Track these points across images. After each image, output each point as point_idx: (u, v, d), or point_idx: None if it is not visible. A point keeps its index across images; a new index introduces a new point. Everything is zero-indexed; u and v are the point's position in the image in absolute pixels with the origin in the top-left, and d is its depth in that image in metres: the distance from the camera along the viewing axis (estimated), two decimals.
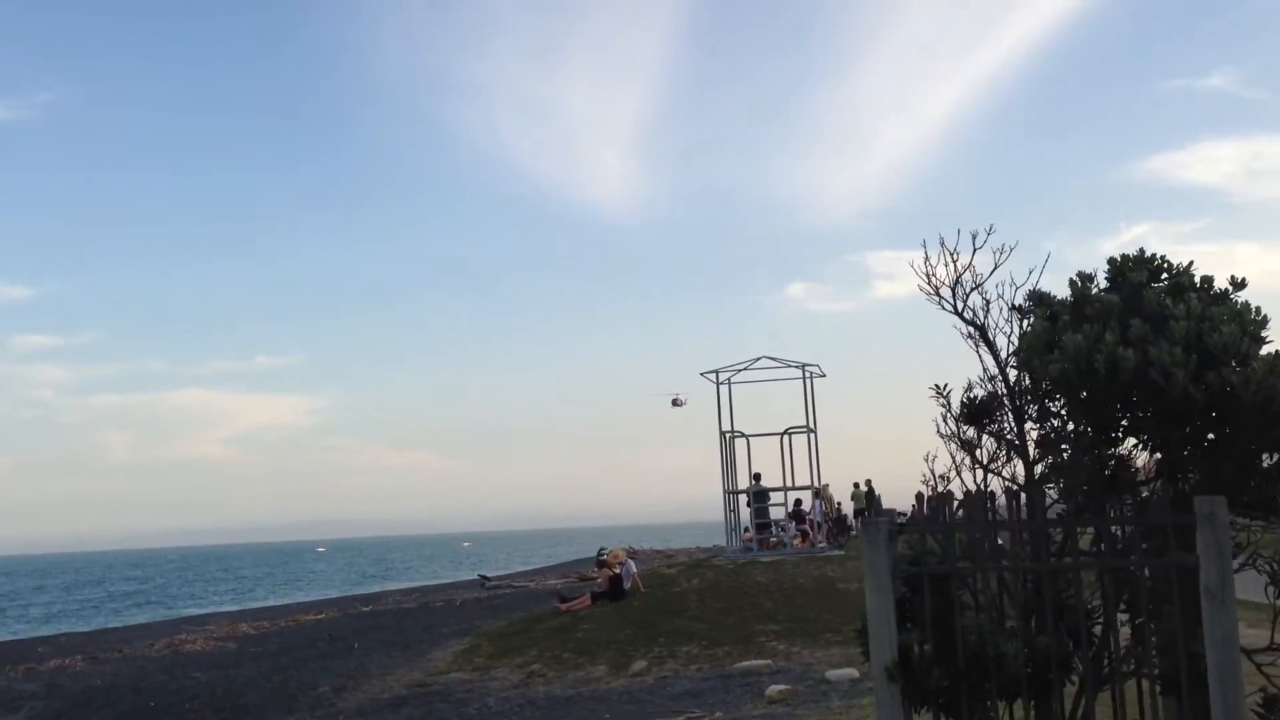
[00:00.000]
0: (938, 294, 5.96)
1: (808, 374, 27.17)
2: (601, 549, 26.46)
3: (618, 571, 22.84)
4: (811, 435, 26.93)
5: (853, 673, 14.26)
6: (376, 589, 57.46)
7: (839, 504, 32.96)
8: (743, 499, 27.81)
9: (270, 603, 52.75)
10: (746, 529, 29.42)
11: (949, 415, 6.12)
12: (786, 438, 27.20)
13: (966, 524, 5.55)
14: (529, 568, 68.45)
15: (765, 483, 27.90)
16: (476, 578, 50.61)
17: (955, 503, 5.64)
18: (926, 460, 6.03)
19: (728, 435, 27.34)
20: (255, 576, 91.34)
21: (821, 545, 27.28)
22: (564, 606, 22.58)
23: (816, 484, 27.53)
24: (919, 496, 5.73)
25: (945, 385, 6.10)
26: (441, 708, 15.43)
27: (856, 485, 36.03)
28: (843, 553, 26.36)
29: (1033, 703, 5.50)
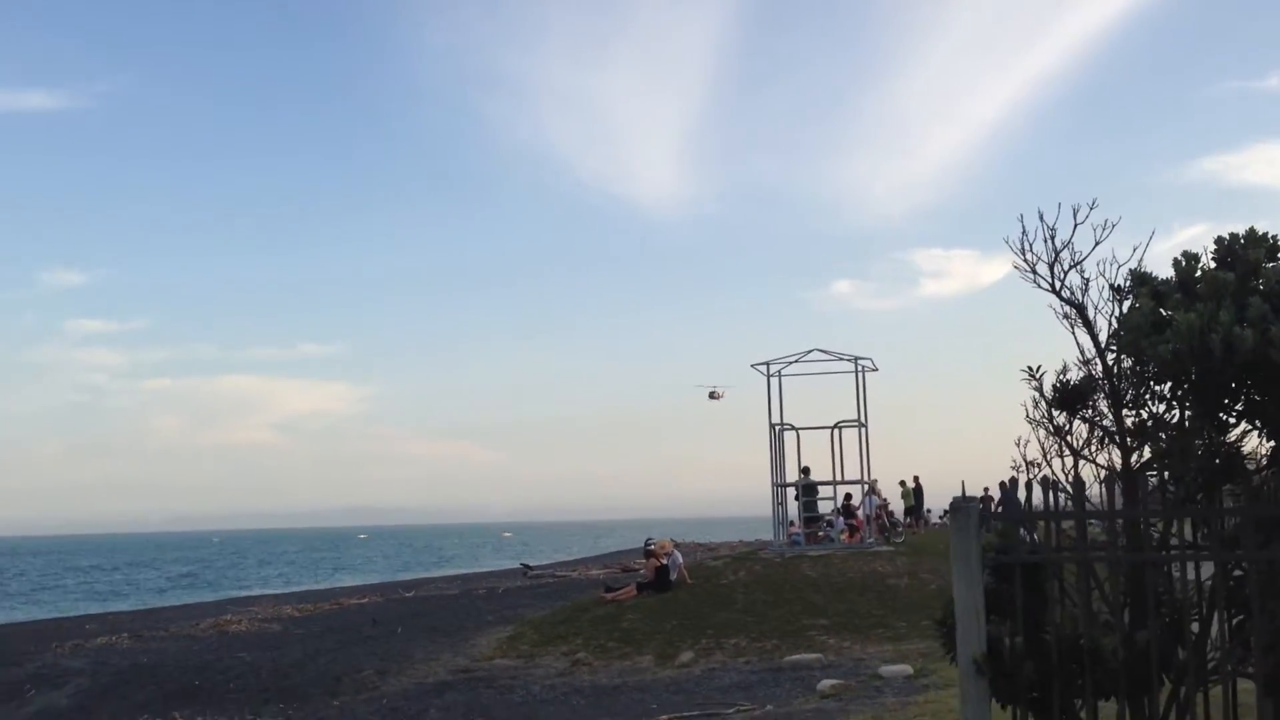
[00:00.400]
0: (1034, 271, 5.64)
1: (860, 367, 26.75)
2: (649, 539, 26.18)
3: (664, 562, 22.57)
4: (862, 429, 26.51)
5: (906, 669, 13.95)
6: (419, 575, 57.65)
7: (885, 500, 32.45)
8: (790, 492, 27.43)
9: (314, 586, 53.08)
10: (792, 522, 29.04)
11: (1040, 399, 5.81)
12: (837, 431, 26.79)
13: (1074, 511, 5.23)
14: (570, 558, 68.39)
15: (814, 477, 27.50)
16: (519, 566, 50.51)
17: (1052, 489, 5.33)
18: (1018, 445, 5.72)
19: (777, 428, 26.96)
20: (300, 561, 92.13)
21: (870, 541, 26.85)
22: (609, 596, 22.36)
23: (867, 479, 27.08)
24: (1011, 482, 5.44)
25: (1038, 367, 5.78)
26: (486, 694, 15.27)
27: (904, 483, 35.63)
28: (891, 548, 25.94)
29: (1126, 701, 5.20)
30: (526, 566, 48.16)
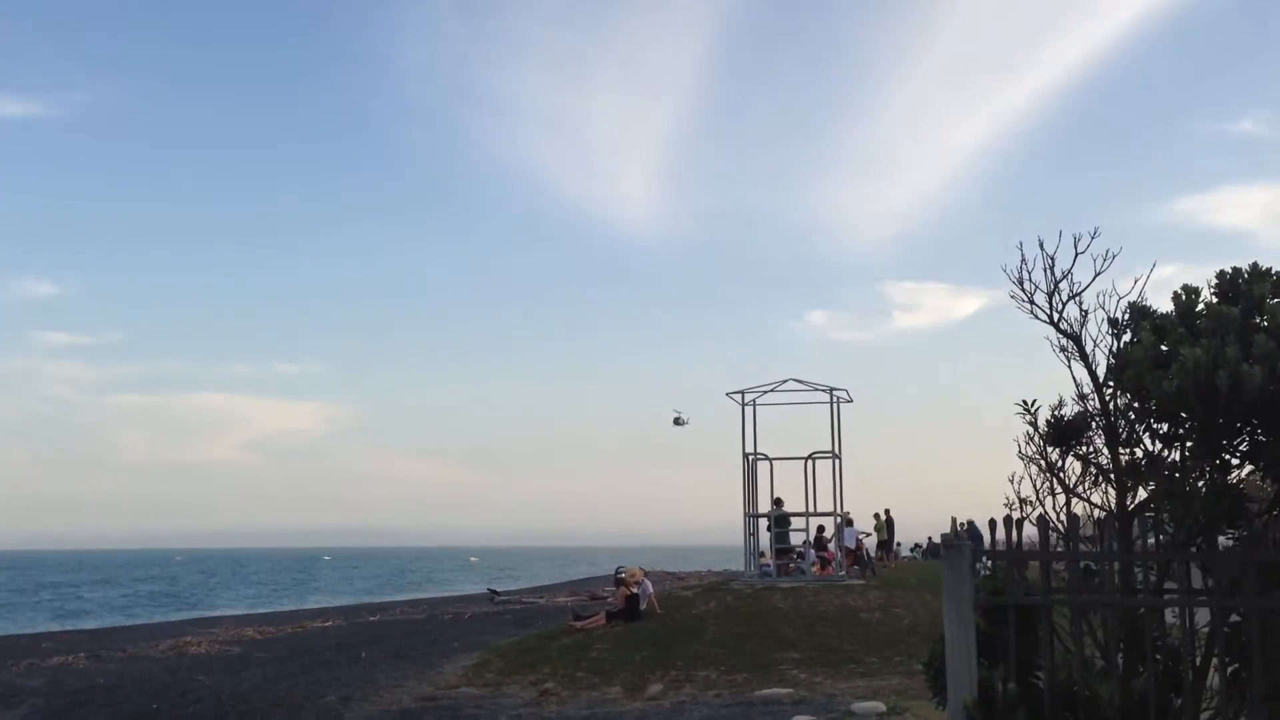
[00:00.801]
0: (1032, 301, 5.50)
1: (835, 398, 26.67)
2: (619, 568, 25.93)
3: (635, 591, 22.31)
4: (837, 461, 26.40)
5: (879, 706, 13.76)
6: (384, 599, 57.00)
7: (867, 533, 32.47)
8: (763, 523, 27.26)
9: (277, 608, 52.35)
10: (763, 552, 28.87)
11: (1035, 435, 5.66)
12: (810, 462, 26.67)
13: (1082, 553, 5.06)
14: (538, 584, 67.91)
15: (787, 508, 27.36)
16: (485, 592, 50.08)
17: (1048, 530, 5.17)
18: (1011, 481, 5.56)
19: (750, 458, 26.82)
20: (265, 581, 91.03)
21: (841, 574, 26.70)
22: (578, 625, 22.08)
23: (840, 510, 26.96)
24: (1006, 521, 5.26)
25: (1033, 402, 5.64)
26: None
27: (876, 515, 35.55)
28: (863, 582, 25.80)
29: None
30: (494, 592, 47.76)
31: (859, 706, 13.73)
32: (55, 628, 41.63)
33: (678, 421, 63.44)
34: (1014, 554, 5.26)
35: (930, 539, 50.41)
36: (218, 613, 49.16)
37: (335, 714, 16.41)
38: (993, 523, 5.69)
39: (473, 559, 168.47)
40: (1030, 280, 5.50)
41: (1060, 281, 5.43)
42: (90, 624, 44.25)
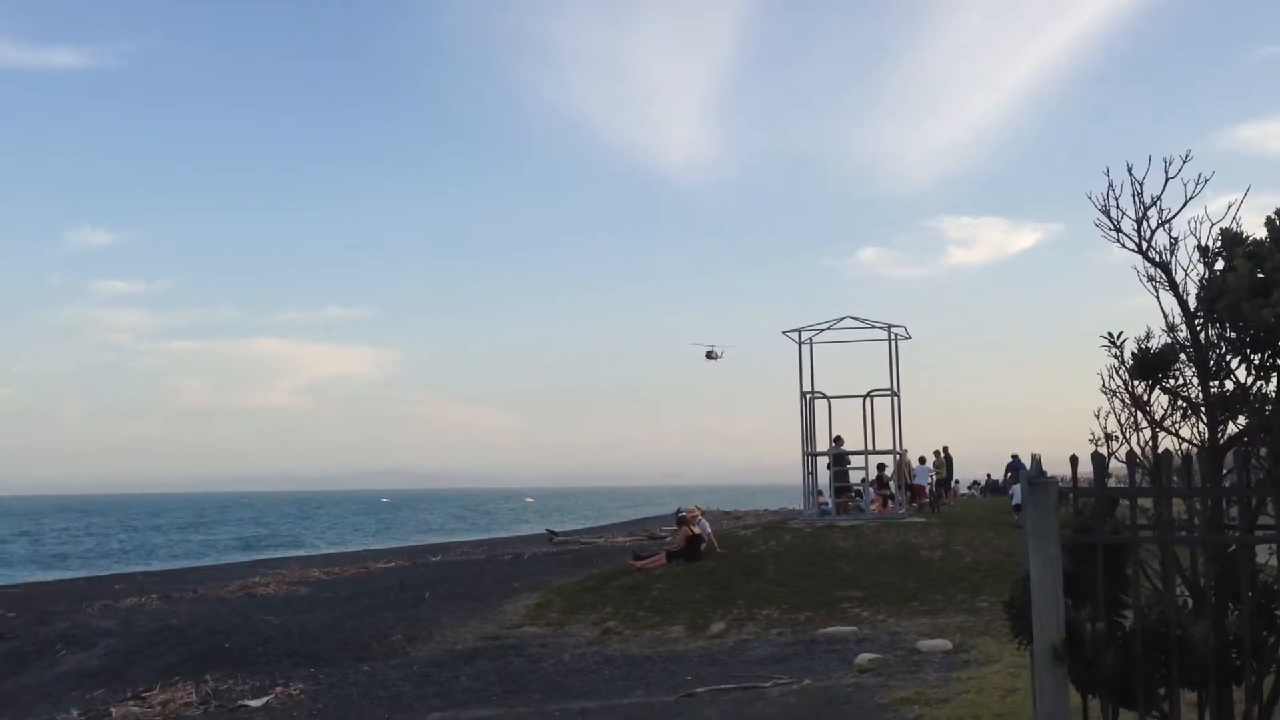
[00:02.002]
0: (1118, 229, 5.27)
1: (893, 335, 26.34)
2: (679, 509, 25.94)
3: (696, 531, 22.32)
4: (895, 399, 26.13)
5: (945, 644, 13.67)
6: (445, 540, 57.78)
7: (913, 470, 32.29)
8: (822, 462, 27.12)
9: (340, 549, 53.28)
10: (820, 491, 28.81)
11: (1120, 368, 5.46)
12: (869, 400, 26.42)
13: (1172, 489, 4.89)
14: (595, 524, 68.42)
15: (845, 446, 27.19)
16: (544, 533, 50.52)
17: (1135, 466, 5.00)
18: (1098, 417, 5.38)
19: (808, 396, 26.62)
20: (327, 523, 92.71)
21: (901, 512, 26.54)
22: (638, 564, 22.15)
23: (899, 448, 26.73)
24: (1094, 457, 5.09)
25: (1119, 334, 5.43)
26: (516, 662, 15.09)
27: (935, 453, 35.26)
28: (923, 520, 25.63)
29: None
30: (552, 533, 48.14)
31: (924, 644, 13.65)
32: (127, 569, 42.71)
33: (710, 355, 62.88)
34: (1100, 491, 5.10)
35: (989, 476, 50.01)
36: (284, 554, 50.16)
37: (401, 652, 16.65)
38: (1073, 459, 5.52)
39: (529, 500, 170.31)
40: (1117, 207, 5.27)
41: (1150, 208, 5.19)
42: (160, 565, 45.38)
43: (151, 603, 24.79)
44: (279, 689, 14.32)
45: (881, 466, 28.59)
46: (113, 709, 13.91)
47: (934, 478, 33.32)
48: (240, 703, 13.73)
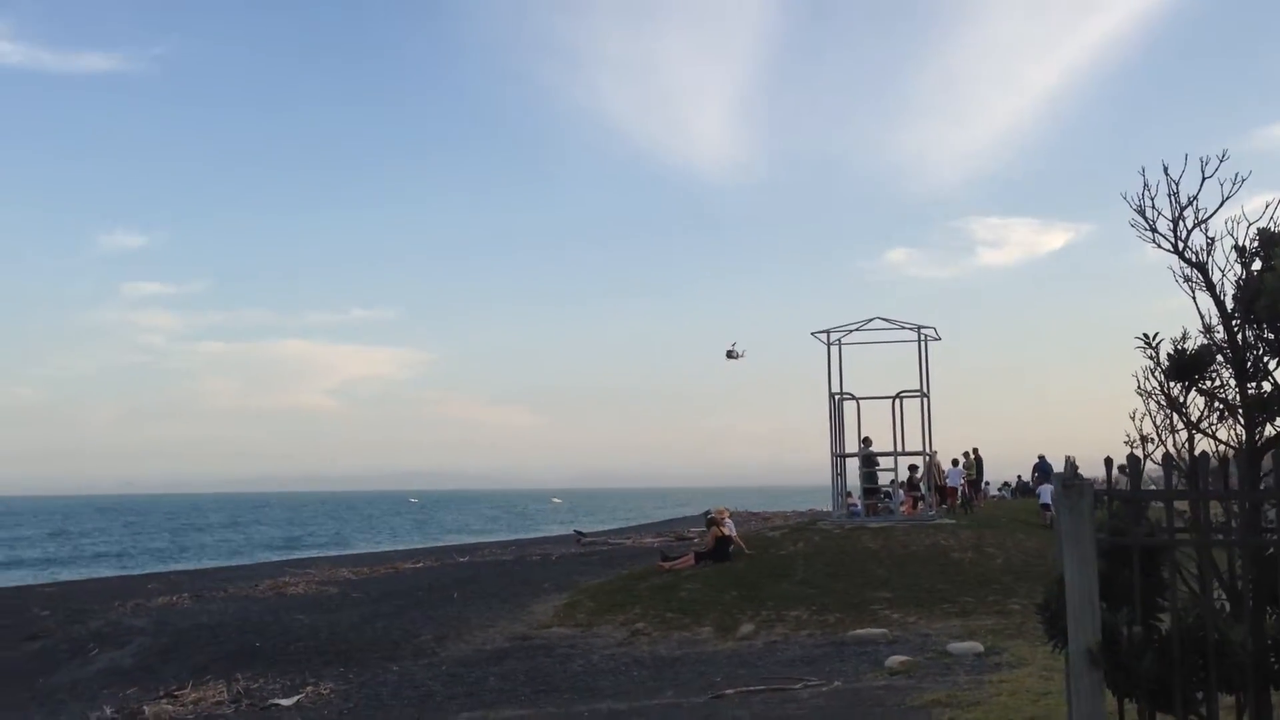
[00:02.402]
0: (1154, 229, 5.22)
1: (923, 337, 26.20)
2: (709, 510, 25.93)
3: (725, 532, 22.29)
4: (925, 400, 26.00)
5: (976, 646, 13.58)
6: (472, 540, 57.98)
7: (945, 472, 32.17)
8: (851, 463, 27.03)
9: (369, 549, 53.58)
10: (849, 493, 28.70)
11: (1155, 369, 5.41)
12: (898, 402, 26.30)
13: (1208, 491, 4.83)
14: (621, 525, 68.47)
15: (874, 447, 27.08)
16: (572, 533, 50.60)
17: (1172, 468, 4.94)
18: (1133, 419, 5.33)
19: (837, 397, 26.53)
20: (356, 524, 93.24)
21: (931, 513, 26.41)
22: (666, 565, 22.14)
23: (928, 450, 26.60)
24: (1129, 459, 5.05)
25: (1155, 335, 5.37)
26: (545, 662, 15.11)
27: (965, 454, 35.08)
28: (953, 521, 25.50)
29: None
30: (580, 534, 48.19)
31: (955, 647, 13.57)
32: (159, 569, 43.11)
33: (731, 354, 62.63)
34: (1136, 494, 5.05)
35: (1019, 477, 49.67)
36: (314, 554, 50.49)
37: (431, 652, 16.71)
38: (1108, 461, 5.47)
39: (556, 500, 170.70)
40: (1153, 207, 5.21)
41: (1186, 208, 5.14)
42: (191, 565, 45.78)
43: (183, 602, 25.00)
44: (309, 688, 14.40)
45: (913, 468, 28.47)
46: (146, 707, 14.03)
47: (966, 479, 33.30)
48: (271, 702, 13.82)
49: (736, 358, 59.82)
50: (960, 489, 32.69)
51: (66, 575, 42.18)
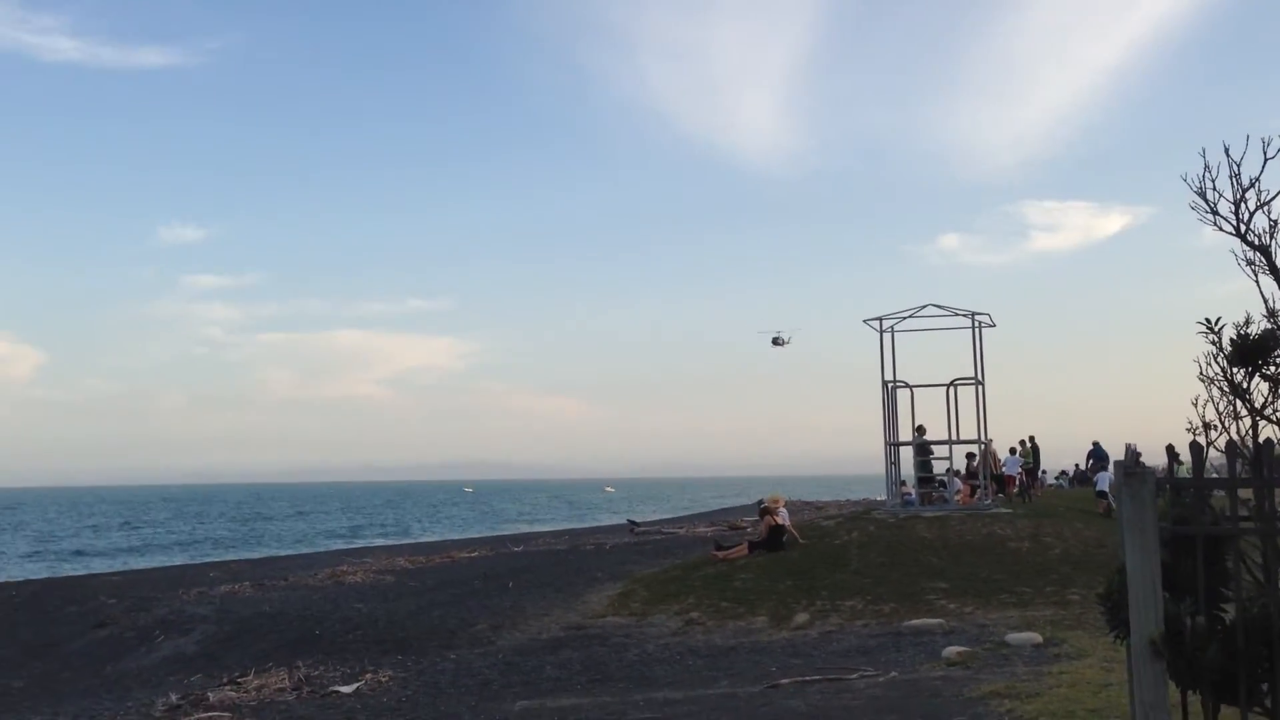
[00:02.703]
0: (1214, 212, 5.13)
1: (977, 323, 25.90)
2: (762, 500, 25.87)
3: (779, 521, 22.23)
4: (980, 388, 25.71)
5: (1034, 637, 13.44)
6: (526, 529, 58.33)
7: (1003, 461, 31.88)
8: (905, 452, 26.82)
9: (424, 538, 54.12)
10: (904, 482, 28.49)
11: (1219, 354, 5.32)
12: (952, 389, 26.04)
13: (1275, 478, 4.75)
14: (674, 515, 68.52)
15: (929, 436, 26.85)
16: (625, 523, 50.75)
17: (1236, 455, 4.86)
18: (1195, 405, 5.25)
19: (890, 385, 26.32)
20: (413, 513, 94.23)
21: (987, 502, 26.14)
22: (720, 555, 22.13)
23: (983, 438, 26.32)
24: (1192, 447, 4.97)
25: (1217, 319, 5.28)
26: (600, 651, 15.19)
27: (1021, 442, 34.71)
28: (1010, 510, 25.22)
29: None
30: (633, 523, 48.32)
31: (1013, 637, 13.43)
32: (221, 557, 43.88)
33: (777, 341, 61.77)
34: (1200, 481, 4.97)
35: (1077, 466, 49.04)
36: (371, 543, 51.11)
37: (487, 641, 16.87)
38: (1170, 449, 5.39)
39: (608, 489, 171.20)
40: (1214, 189, 5.12)
41: (1248, 190, 5.04)
42: (252, 553, 46.52)
43: (245, 590, 25.40)
44: (368, 675, 14.60)
45: (970, 456, 28.22)
46: (209, 694, 14.30)
47: (1023, 468, 33.03)
48: (331, 689, 14.02)
49: (783, 344, 59.14)
50: (1018, 477, 32.42)
51: (133, 564, 43.10)
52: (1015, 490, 31.68)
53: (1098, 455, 35.00)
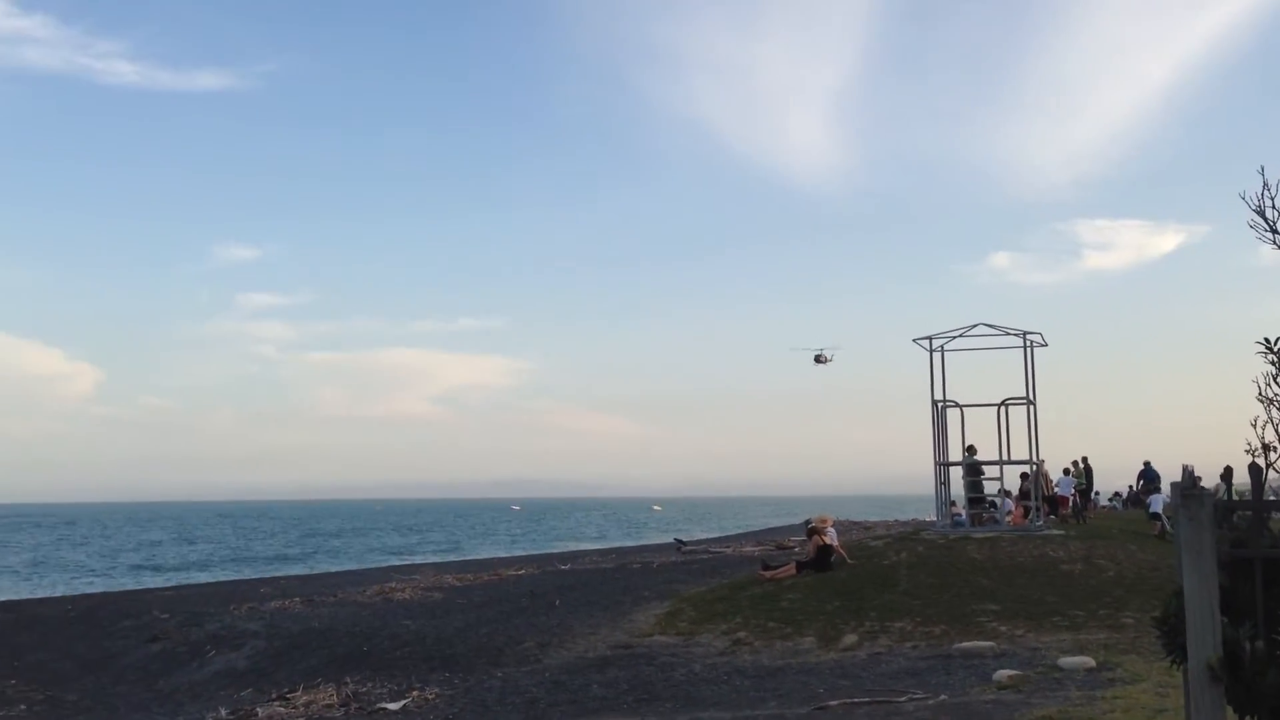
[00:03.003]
0: (1274, 230, 5.05)
1: (1029, 343, 25.63)
2: (809, 519, 25.71)
3: (827, 541, 22.08)
4: (1031, 408, 25.41)
5: (1088, 661, 13.24)
6: (574, 548, 58.40)
7: (1055, 482, 31.45)
8: (955, 472, 26.55)
9: (472, 556, 54.32)
10: (953, 502, 28.18)
11: (1278, 375, 5.22)
12: (1003, 409, 25.76)
13: None
14: (722, 534, 68.28)
15: (979, 456, 26.56)
16: (672, 541, 50.63)
17: None
18: (1254, 426, 5.15)
19: (940, 405, 26.09)
20: (463, 531, 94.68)
21: (1039, 523, 25.79)
22: (767, 574, 22.01)
23: (1035, 459, 25.98)
24: (1252, 469, 4.88)
25: (1277, 339, 5.19)
26: (647, 671, 15.15)
27: (1074, 463, 34.24)
28: (1062, 532, 24.87)
29: None
30: (680, 542, 48.18)
31: (1066, 661, 13.24)
32: (272, 573, 44.33)
33: (819, 359, 61.04)
34: (1259, 503, 4.88)
35: (1130, 487, 48.29)
36: (419, 559, 51.40)
37: (534, 659, 16.88)
38: (1228, 470, 5.29)
39: (656, 508, 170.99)
40: (1273, 207, 5.04)
41: None
42: (300, 569, 46.96)
43: (295, 606, 25.62)
44: (415, 693, 14.67)
45: (1024, 476, 27.89)
46: (259, 709, 14.44)
47: (1077, 489, 32.64)
48: (379, 705, 14.10)
49: (825, 363, 58.57)
50: (1071, 498, 32.03)
51: (186, 579, 43.67)
52: (1069, 512, 31.26)
53: (1148, 476, 34.45)
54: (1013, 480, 27.67)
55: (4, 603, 33.26)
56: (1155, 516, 29.32)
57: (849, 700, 11.63)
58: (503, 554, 54.88)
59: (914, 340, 26.51)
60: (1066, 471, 33.12)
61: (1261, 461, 5.11)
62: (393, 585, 29.40)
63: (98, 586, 40.71)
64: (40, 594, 37.78)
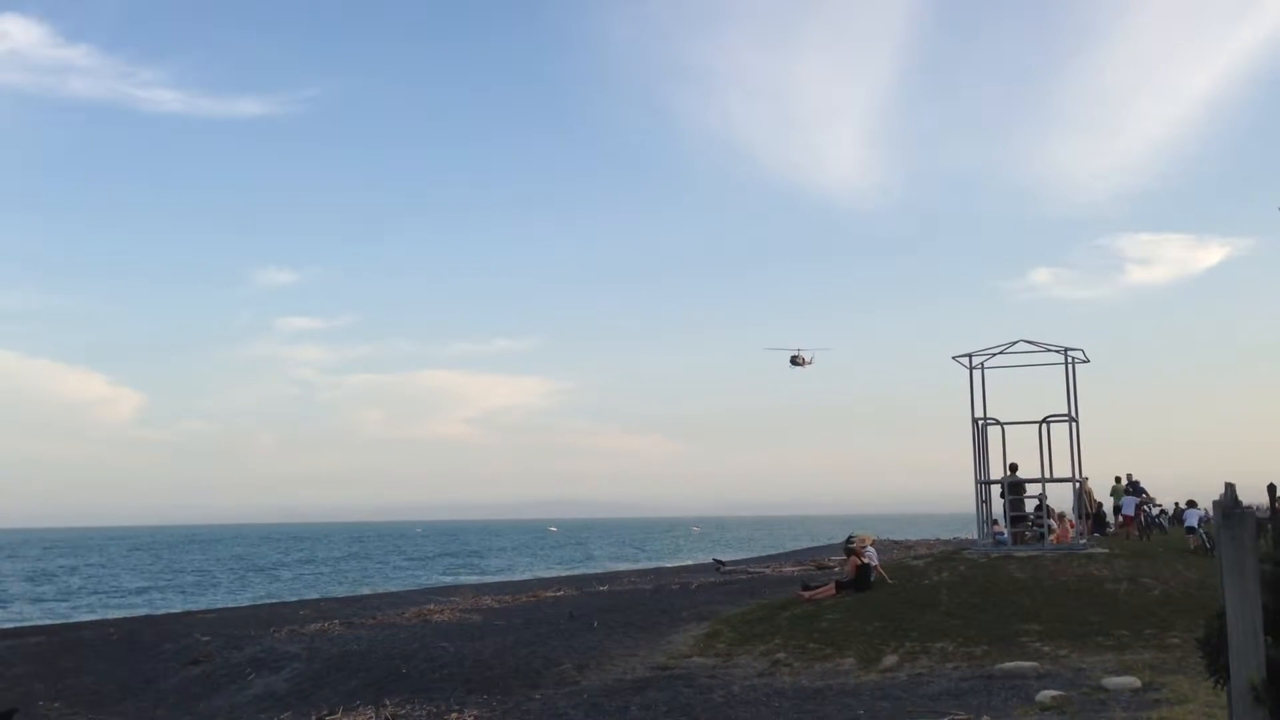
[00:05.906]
0: None
1: (1070, 359, 25.32)
2: (849, 537, 25.50)
3: (865, 561, 21.88)
4: (1073, 425, 25.08)
5: (1133, 681, 13.01)
6: (611, 568, 58.28)
7: (1147, 496, 31.36)
8: (996, 490, 26.24)
9: (510, 578, 54.36)
10: (995, 520, 27.86)
11: None
12: (1045, 427, 25.44)
13: None
14: (761, 554, 67.92)
15: (1021, 474, 26.24)
16: (711, 562, 50.43)
17: None
18: None
19: (980, 423, 25.82)
20: (499, 552, 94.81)
21: (1082, 541, 25.43)
22: (807, 595, 21.85)
23: (1078, 476, 25.63)
24: (1270, 489, 4.77)
25: None
26: (686, 693, 15.04)
27: (1118, 479, 33.81)
28: (1106, 550, 24.50)
29: None
30: (719, 562, 48.01)
31: (1111, 682, 13.01)
32: (311, 595, 44.58)
33: (795, 361, 59.93)
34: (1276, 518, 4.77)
35: (1177, 504, 47.58)
36: (458, 581, 51.50)
37: (572, 681, 16.81)
38: (1272, 487, 5.19)
39: (695, 529, 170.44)
40: None
41: None
42: (341, 592, 47.19)
43: (334, 628, 25.73)
44: (454, 715, 14.65)
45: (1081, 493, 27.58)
46: None
47: (1140, 504, 32.51)
48: None
49: (803, 365, 57.53)
50: (1137, 516, 31.85)
51: (225, 601, 43.99)
52: (1135, 530, 31.08)
53: (1136, 491, 34.19)
54: (1060, 499, 27.35)
55: (47, 626, 33.71)
56: (1191, 530, 28.92)
57: None
58: (541, 575, 54.89)
59: (954, 357, 26.29)
60: (1130, 489, 32.91)
61: None
62: (431, 607, 29.47)
63: (140, 609, 41.11)
64: (82, 617, 38.23)
